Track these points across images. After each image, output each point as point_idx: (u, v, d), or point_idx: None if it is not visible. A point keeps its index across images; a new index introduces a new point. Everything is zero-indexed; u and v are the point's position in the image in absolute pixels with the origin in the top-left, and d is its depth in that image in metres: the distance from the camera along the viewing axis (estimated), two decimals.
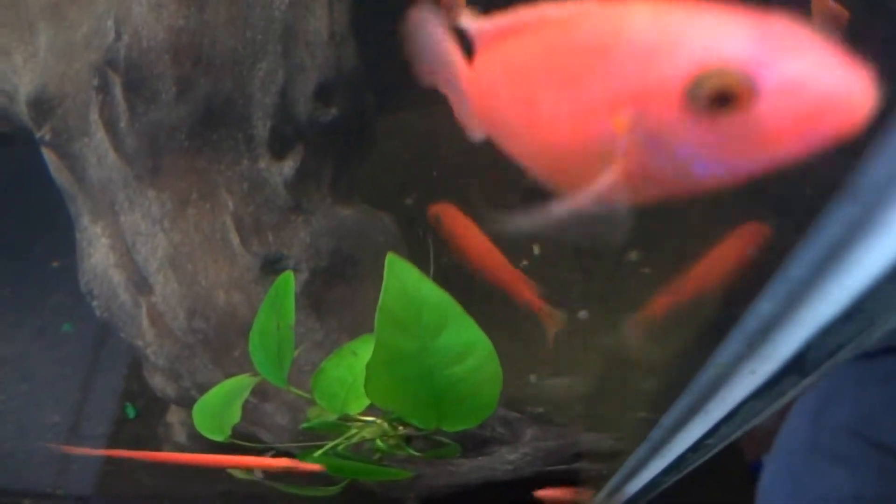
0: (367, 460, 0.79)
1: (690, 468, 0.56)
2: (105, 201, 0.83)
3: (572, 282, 1.28)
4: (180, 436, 1.13)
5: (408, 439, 0.80)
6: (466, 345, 0.58)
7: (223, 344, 0.86)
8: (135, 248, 0.82)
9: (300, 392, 0.76)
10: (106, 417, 1.22)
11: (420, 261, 0.87)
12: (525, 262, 1.29)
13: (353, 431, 0.78)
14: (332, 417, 0.77)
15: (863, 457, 0.57)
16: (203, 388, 0.89)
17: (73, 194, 0.86)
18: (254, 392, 0.85)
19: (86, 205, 0.85)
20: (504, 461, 0.91)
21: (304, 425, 0.78)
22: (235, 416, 0.77)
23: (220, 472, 1.12)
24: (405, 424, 0.77)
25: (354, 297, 0.85)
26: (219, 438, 0.78)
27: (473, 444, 0.91)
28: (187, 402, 0.96)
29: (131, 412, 1.21)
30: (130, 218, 0.82)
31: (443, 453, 0.81)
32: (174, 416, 1.14)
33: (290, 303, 0.70)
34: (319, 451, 0.78)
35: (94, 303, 0.89)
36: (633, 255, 1.30)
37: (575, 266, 1.29)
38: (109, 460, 1.17)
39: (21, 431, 1.20)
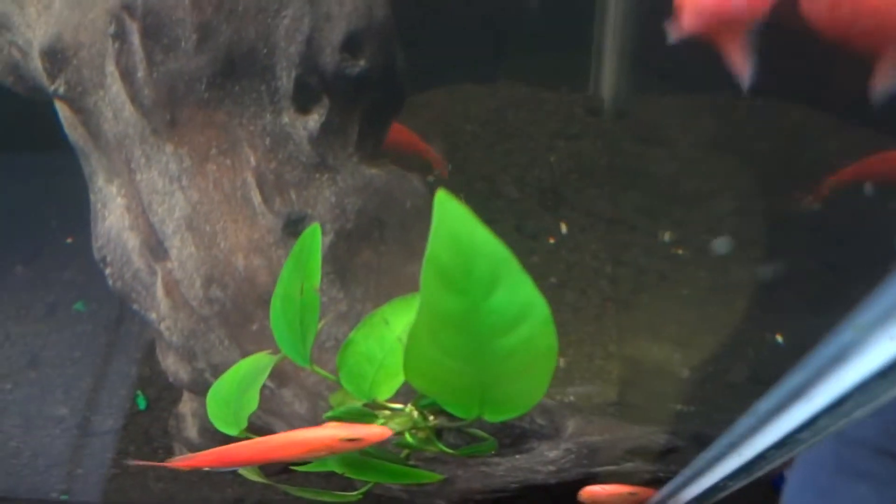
0: (394, 458, 0.73)
1: (763, 471, 0.50)
2: (121, 159, 0.79)
3: (602, 261, 1.22)
4: (191, 430, 1.07)
5: (438, 434, 0.74)
6: (522, 307, 0.50)
7: (241, 316, 0.81)
8: (151, 208, 0.78)
9: (324, 372, 0.70)
10: (115, 409, 1.17)
11: None
12: (552, 241, 1.23)
13: (380, 422, 0.72)
14: (358, 404, 0.71)
15: (887, 473, 0.56)
16: (218, 370, 0.84)
17: (87, 152, 0.82)
18: (271, 375, 0.80)
19: (101, 163, 0.81)
20: (544, 460, 0.83)
21: (328, 415, 0.71)
22: (252, 402, 0.71)
23: (229, 477, 1.07)
24: (438, 413, 0.71)
25: (381, 265, 0.80)
26: (233, 431, 0.72)
27: (510, 438, 0.83)
28: (201, 387, 0.91)
29: (142, 402, 1.16)
30: (147, 176, 0.77)
31: (479, 450, 0.73)
32: (186, 406, 1.09)
33: (317, 260, 0.65)
34: None
35: (108, 270, 0.85)
36: (667, 236, 1.25)
37: (604, 245, 1.23)
38: (117, 463, 1.11)
39: (27, 426, 1.15)
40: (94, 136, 0.80)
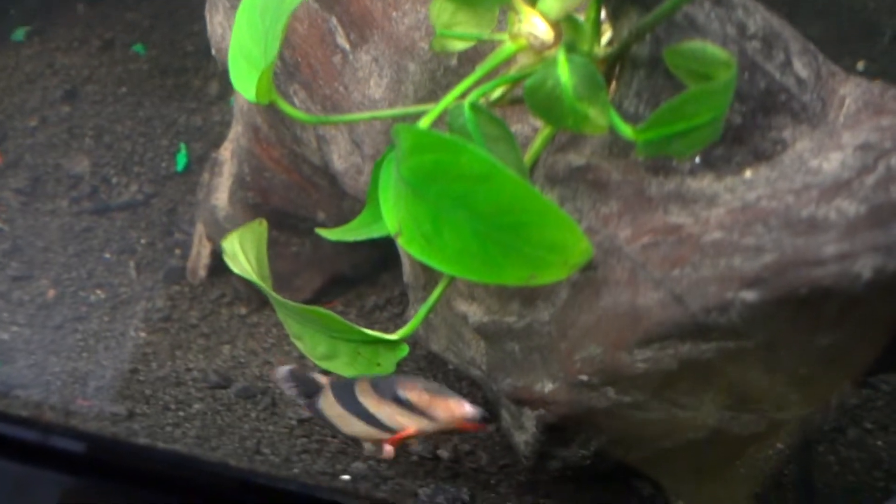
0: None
1: None
2: None
3: None
4: (223, 188, 0.82)
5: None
6: None
7: None
8: None
9: None
10: (147, 166, 0.96)
11: None
12: None
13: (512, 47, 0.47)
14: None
15: None
16: None
17: None
18: (348, 22, 0.58)
19: None
20: (826, 192, 0.37)
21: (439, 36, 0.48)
22: None
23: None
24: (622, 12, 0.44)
25: None
26: (252, 76, 0.51)
27: (745, 108, 0.42)
28: None
29: (182, 159, 0.95)
30: None
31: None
32: (228, 148, 0.85)
33: None
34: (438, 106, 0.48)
35: None
36: (860, 65, 1.04)
37: None
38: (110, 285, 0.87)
39: (31, 191, 0.93)
40: None
